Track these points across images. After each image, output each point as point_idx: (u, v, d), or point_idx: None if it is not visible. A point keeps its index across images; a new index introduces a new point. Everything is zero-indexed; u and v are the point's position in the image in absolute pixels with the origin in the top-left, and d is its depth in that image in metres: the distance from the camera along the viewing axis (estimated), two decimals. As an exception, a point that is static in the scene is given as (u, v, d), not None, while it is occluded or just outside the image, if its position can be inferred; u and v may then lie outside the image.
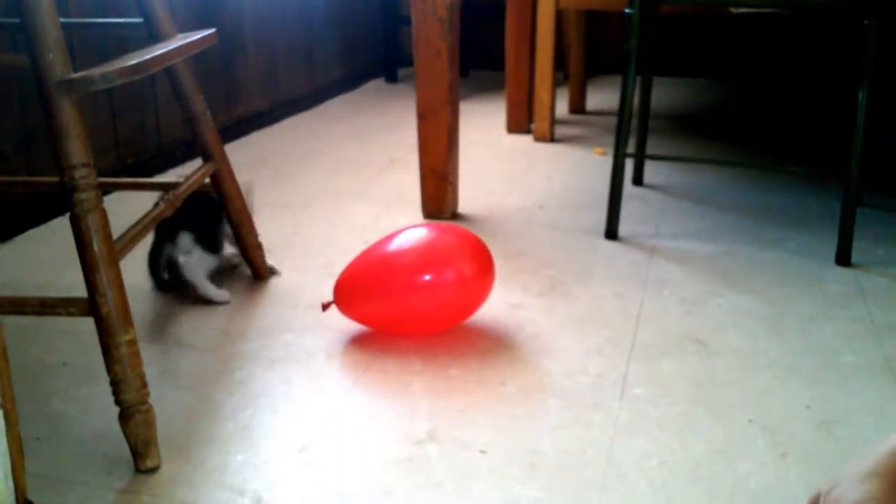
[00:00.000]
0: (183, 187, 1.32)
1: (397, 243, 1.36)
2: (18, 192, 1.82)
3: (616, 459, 1.06)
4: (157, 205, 1.27)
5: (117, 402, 1.01)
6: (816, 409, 1.17)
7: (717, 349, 1.33)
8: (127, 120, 2.15)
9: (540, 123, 2.59)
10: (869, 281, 1.57)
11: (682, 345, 1.34)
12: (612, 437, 1.10)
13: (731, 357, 1.31)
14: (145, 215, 1.22)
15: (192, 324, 1.42)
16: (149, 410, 1.02)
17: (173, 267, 1.50)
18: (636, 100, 2.07)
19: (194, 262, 1.48)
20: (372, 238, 1.73)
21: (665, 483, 1.01)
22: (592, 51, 3.66)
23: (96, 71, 0.98)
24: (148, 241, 1.52)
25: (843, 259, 1.64)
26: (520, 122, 2.70)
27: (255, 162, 2.37)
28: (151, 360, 1.29)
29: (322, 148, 2.54)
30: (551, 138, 2.61)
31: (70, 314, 1.02)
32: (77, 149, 0.97)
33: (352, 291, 1.35)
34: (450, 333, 1.37)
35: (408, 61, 3.66)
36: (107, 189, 1.72)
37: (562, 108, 3.02)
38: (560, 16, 2.57)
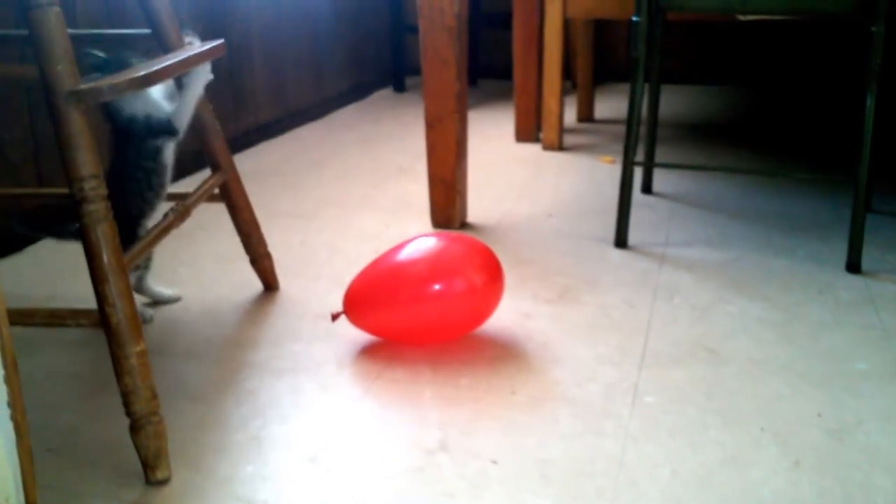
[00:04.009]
0: (192, 198, 1.32)
1: (406, 253, 1.36)
2: (28, 203, 1.82)
3: (627, 468, 1.05)
4: (166, 215, 1.27)
5: (127, 414, 1.01)
6: (828, 416, 1.16)
7: (728, 356, 1.32)
8: (136, 131, 2.15)
9: (548, 132, 2.59)
10: (879, 288, 1.56)
11: (692, 352, 1.34)
12: (624, 445, 1.10)
13: (742, 364, 1.30)
14: (155, 226, 1.22)
15: (202, 334, 1.42)
16: (159, 422, 1.02)
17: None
18: (644, 108, 2.07)
19: None
20: (380, 247, 1.74)
21: (677, 491, 1.01)
22: (600, 59, 3.66)
23: (105, 82, 0.98)
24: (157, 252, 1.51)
25: (854, 266, 1.63)
26: (528, 131, 2.70)
27: (263, 172, 2.38)
28: (161, 371, 1.29)
29: (330, 157, 2.54)
30: (560, 147, 2.60)
31: (80, 325, 1.02)
32: (86, 159, 0.97)
33: (361, 301, 1.34)
34: (459, 342, 1.37)
35: (416, 70, 3.67)
36: (116, 200, 1.72)
37: (570, 116, 3.02)
38: (567, 24, 2.58)
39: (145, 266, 1.48)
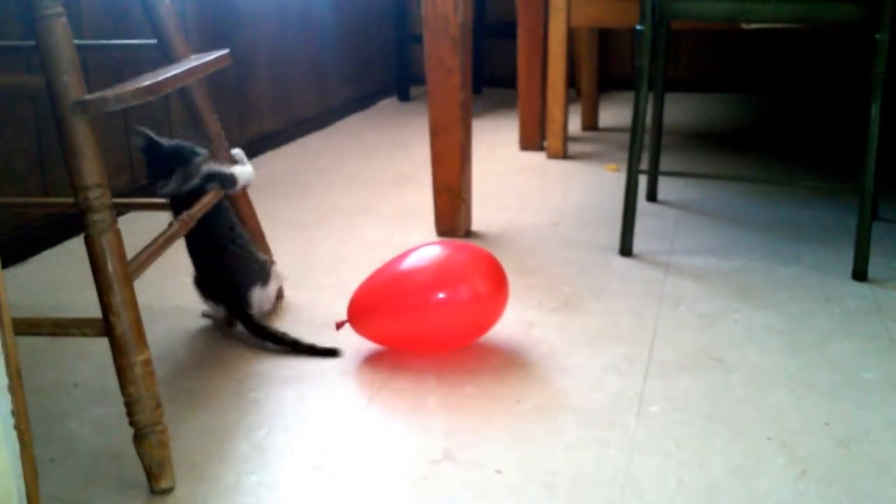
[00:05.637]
0: (197, 207, 1.32)
1: (411, 261, 1.36)
2: (34, 213, 1.83)
3: (633, 478, 1.05)
4: (171, 225, 1.27)
5: (131, 423, 1.01)
6: (835, 425, 1.15)
7: (734, 365, 1.32)
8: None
9: (553, 140, 2.59)
10: (886, 296, 1.56)
11: (698, 361, 1.33)
12: (629, 455, 1.09)
13: (749, 373, 1.29)
14: (159, 235, 1.22)
15: (206, 343, 1.42)
16: (163, 431, 1.02)
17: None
18: (649, 116, 2.07)
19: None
20: (385, 256, 1.73)
21: (683, 502, 1.00)
22: (604, 67, 3.66)
23: (110, 92, 0.98)
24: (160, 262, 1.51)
25: (860, 274, 1.63)
26: (533, 140, 2.70)
27: (268, 181, 2.38)
28: (165, 380, 1.29)
29: (335, 166, 2.55)
30: (564, 155, 2.61)
31: (84, 335, 1.02)
32: (91, 169, 0.97)
33: (366, 310, 1.34)
34: (464, 351, 1.37)
35: (420, 80, 3.67)
36: (121, 209, 1.73)
37: (574, 124, 3.02)
38: (571, 33, 2.58)
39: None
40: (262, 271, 1.45)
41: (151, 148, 1.37)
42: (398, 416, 1.19)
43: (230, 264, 1.41)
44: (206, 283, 1.44)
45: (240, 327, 1.43)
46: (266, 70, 2.75)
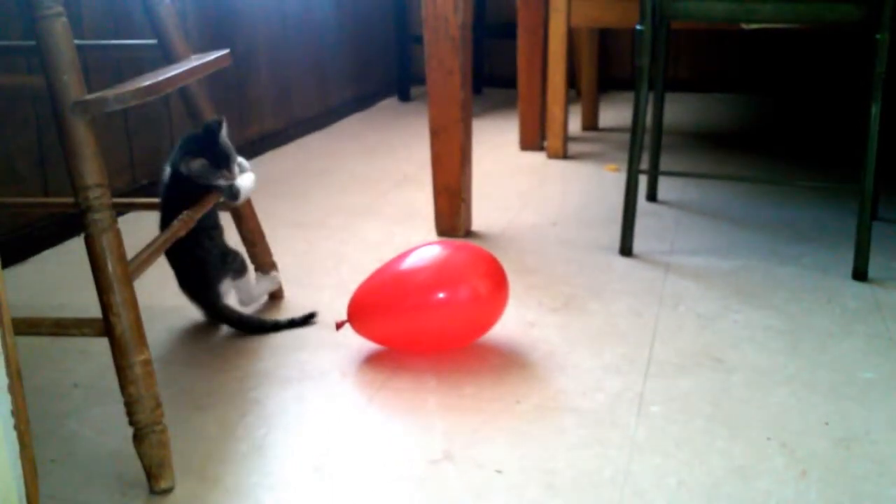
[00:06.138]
0: (198, 207, 1.32)
1: (411, 261, 1.36)
2: (34, 213, 1.83)
3: (633, 478, 1.05)
4: (172, 225, 1.27)
5: (131, 423, 1.01)
6: (835, 425, 1.15)
7: (735, 365, 1.32)
8: (141, 140, 2.16)
9: (553, 140, 2.59)
10: (886, 296, 1.56)
11: (698, 361, 1.33)
12: (630, 455, 1.09)
13: (749, 373, 1.29)
14: (160, 235, 1.22)
15: (207, 343, 1.42)
16: (163, 431, 1.02)
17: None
18: (648, 116, 2.07)
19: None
20: (385, 256, 1.73)
21: (683, 502, 1.00)
22: (604, 67, 3.66)
23: (110, 92, 0.98)
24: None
25: (860, 274, 1.63)
26: (533, 140, 2.70)
27: (268, 181, 2.38)
28: (165, 380, 1.29)
29: (335, 166, 2.55)
30: (564, 155, 2.61)
31: (84, 335, 1.02)
32: (91, 169, 0.97)
33: (366, 310, 1.34)
34: (464, 351, 1.37)
35: (421, 80, 3.67)
36: (121, 209, 1.73)
37: (574, 124, 3.02)
38: (571, 33, 2.58)
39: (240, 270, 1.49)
40: (232, 263, 1.45)
41: (212, 134, 1.36)
42: (398, 416, 1.19)
43: (200, 257, 1.41)
44: (181, 281, 1.44)
45: (226, 327, 1.44)
46: (266, 70, 2.75)
